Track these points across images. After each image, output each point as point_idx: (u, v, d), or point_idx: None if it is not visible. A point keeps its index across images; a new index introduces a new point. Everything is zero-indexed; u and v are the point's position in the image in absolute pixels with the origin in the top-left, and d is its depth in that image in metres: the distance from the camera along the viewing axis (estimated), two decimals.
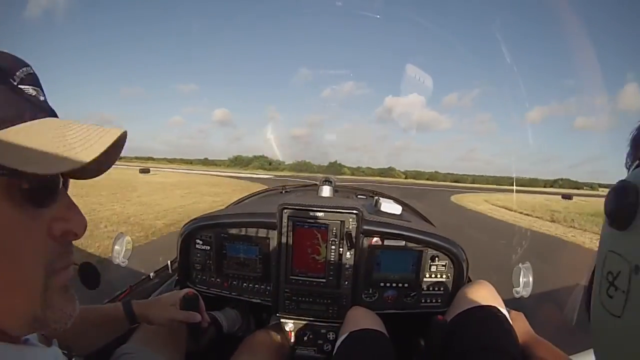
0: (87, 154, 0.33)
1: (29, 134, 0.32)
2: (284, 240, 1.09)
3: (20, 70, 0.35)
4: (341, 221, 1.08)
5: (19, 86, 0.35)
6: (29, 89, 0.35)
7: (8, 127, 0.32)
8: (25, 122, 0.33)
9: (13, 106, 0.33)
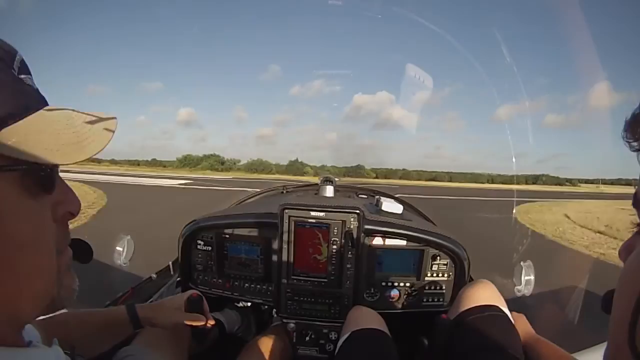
0: (98, 144, 0.36)
1: (41, 126, 0.33)
2: (285, 240, 1.09)
3: (16, 59, 0.34)
4: (342, 221, 1.08)
5: (19, 76, 0.34)
6: (27, 79, 0.35)
7: (17, 120, 0.32)
8: (32, 113, 0.34)
9: (20, 99, 0.33)
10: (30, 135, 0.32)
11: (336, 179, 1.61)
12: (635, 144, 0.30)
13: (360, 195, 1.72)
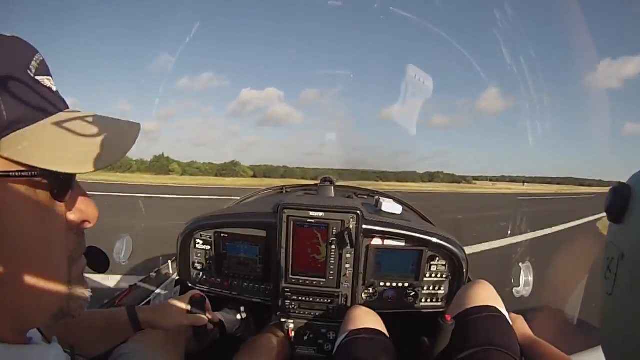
0: (115, 154, 0.34)
1: (56, 132, 0.32)
2: (284, 240, 1.09)
3: (34, 59, 0.33)
4: (341, 221, 1.08)
5: (36, 77, 0.32)
6: (45, 80, 0.34)
7: (29, 124, 0.31)
8: (47, 117, 0.32)
9: (35, 102, 0.32)
10: (43, 141, 0.31)
11: (336, 179, 1.61)
12: None
13: (359, 196, 1.72)
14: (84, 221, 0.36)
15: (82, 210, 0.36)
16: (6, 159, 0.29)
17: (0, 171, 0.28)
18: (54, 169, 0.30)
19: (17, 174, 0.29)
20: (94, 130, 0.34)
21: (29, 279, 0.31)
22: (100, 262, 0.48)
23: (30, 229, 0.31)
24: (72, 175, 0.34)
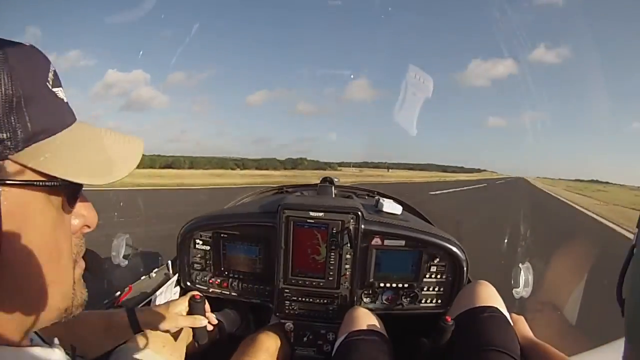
0: (125, 168, 0.37)
1: (73, 144, 0.34)
2: (283, 240, 1.09)
3: (50, 71, 0.34)
4: (341, 221, 1.07)
5: (53, 89, 0.34)
6: (59, 92, 0.35)
7: (50, 136, 0.32)
8: (64, 129, 0.34)
9: (54, 113, 0.33)
10: (62, 152, 0.33)
11: (336, 179, 1.61)
12: None
13: (359, 196, 1.72)
14: (85, 225, 0.38)
15: (84, 216, 0.38)
16: (30, 168, 0.31)
17: (26, 180, 0.30)
18: (74, 180, 0.33)
19: (41, 183, 0.31)
20: (105, 143, 0.37)
21: (42, 281, 0.33)
22: (94, 264, 0.49)
23: (46, 234, 0.33)
24: (81, 185, 0.36)
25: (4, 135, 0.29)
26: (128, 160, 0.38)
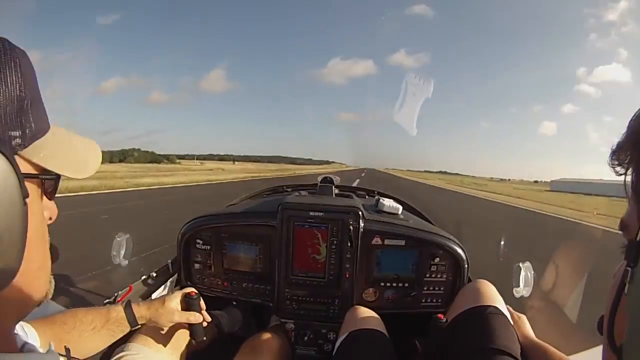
0: (94, 165, 0.43)
1: (59, 143, 0.39)
2: (284, 240, 1.09)
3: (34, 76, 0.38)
4: (341, 221, 1.07)
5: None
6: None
7: (44, 135, 0.37)
8: (49, 129, 0.38)
9: (43, 116, 0.37)
10: (55, 149, 0.38)
11: (336, 179, 1.61)
12: (619, 168, 0.34)
13: (359, 195, 1.72)
14: (50, 217, 0.42)
15: (50, 208, 0.42)
16: (33, 163, 0.36)
17: (33, 173, 0.36)
18: (66, 174, 0.38)
19: (42, 177, 0.36)
20: (75, 142, 0.42)
21: (36, 265, 0.36)
22: (53, 253, 0.52)
23: (39, 221, 0.37)
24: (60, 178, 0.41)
25: (16, 133, 0.33)
26: (93, 160, 0.43)
